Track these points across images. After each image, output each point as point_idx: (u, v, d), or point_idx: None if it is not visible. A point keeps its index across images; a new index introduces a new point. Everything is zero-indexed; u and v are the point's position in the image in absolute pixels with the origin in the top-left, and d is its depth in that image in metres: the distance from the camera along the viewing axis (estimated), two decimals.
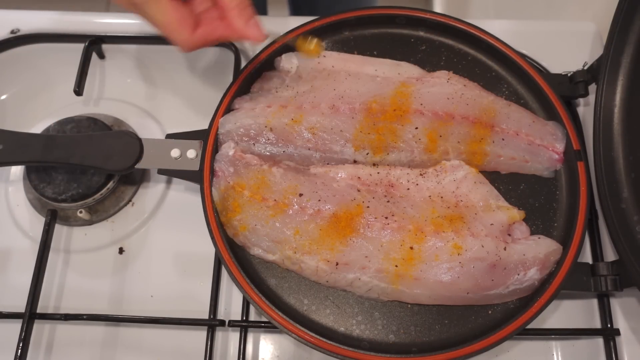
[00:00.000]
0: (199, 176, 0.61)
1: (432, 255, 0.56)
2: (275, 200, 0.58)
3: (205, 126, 0.63)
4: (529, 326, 0.55)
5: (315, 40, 0.65)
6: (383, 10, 0.70)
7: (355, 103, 0.63)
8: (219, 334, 0.60)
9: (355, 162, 0.62)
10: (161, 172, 0.62)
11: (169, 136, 0.63)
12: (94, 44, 0.72)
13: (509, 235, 0.59)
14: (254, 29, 0.54)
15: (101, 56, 0.74)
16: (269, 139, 0.62)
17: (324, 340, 0.54)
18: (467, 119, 0.63)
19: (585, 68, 0.67)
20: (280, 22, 0.71)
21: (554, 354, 0.60)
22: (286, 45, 0.66)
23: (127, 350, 0.60)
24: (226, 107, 0.64)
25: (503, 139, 0.63)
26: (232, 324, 0.59)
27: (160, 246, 0.64)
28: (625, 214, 0.57)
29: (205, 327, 0.58)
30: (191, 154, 0.61)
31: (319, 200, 0.58)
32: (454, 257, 0.56)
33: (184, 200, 0.66)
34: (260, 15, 0.75)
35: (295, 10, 1.36)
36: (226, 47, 0.72)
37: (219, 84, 0.66)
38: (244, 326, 0.59)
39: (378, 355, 0.54)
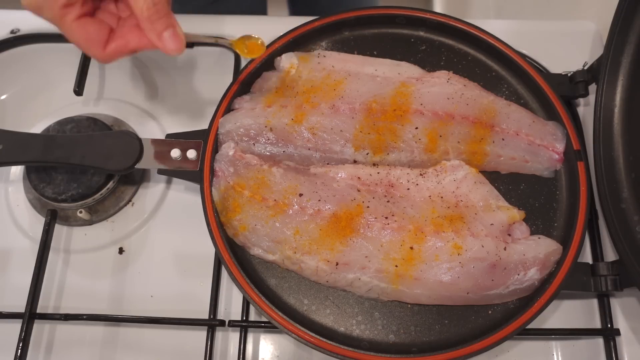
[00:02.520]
0: (199, 176, 0.61)
1: (432, 255, 0.56)
2: (275, 200, 0.58)
3: (205, 126, 0.63)
4: (529, 326, 0.55)
5: (257, 39, 0.60)
6: (383, 10, 0.70)
7: (355, 103, 0.63)
8: (219, 334, 0.60)
9: (355, 162, 0.62)
10: (161, 172, 0.62)
11: (169, 136, 0.63)
12: None
13: (509, 235, 0.59)
14: (169, 41, 0.50)
15: None
16: (269, 139, 0.62)
17: (324, 340, 0.54)
18: (467, 119, 0.63)
19: (585, 68, 0.67)
20: (280, 22, 0.71)
21: (554, 354, 0.60)
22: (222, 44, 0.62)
23: (127, 350, 0.60)
24: (226, 107, 0.64)
25: (503, 139, 0.63)
26: (232, 324, 0.59)
27: (160, 246, 0.64)
28: (625, 214, 0.57)
29: (205, 327, 0.58)
30: (191, 154, 0.61)
31: (319, 200, 0.58)
32: (454, 257, 0.56)
33: (184, 200, 0.66)
34: (259, 15, 0.75)
35: (295, 11, 1.36)
36: (226, 47, 0.72)
37: (219, 84, 0.66)
38: (244, 326, 0.59)
39: (378, 355, 0.54)
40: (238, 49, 0.60)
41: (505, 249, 0.57)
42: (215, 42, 0.60)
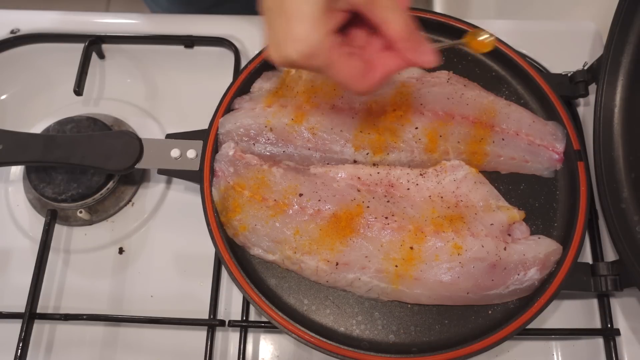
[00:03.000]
0: (199, 176, 0.61)
1: (432, 255, 0.56)
2: (275, 200, 0.58)
3: (205, 126, 0.63)
4: (529, 326, 0.55)
5: (487, 35, 0.55)
6: None
7: (355, 103, 0.63)
8: (219, 334, 0.60)
9: (355, 162, 0.62)
10: (161, 172, 0.62)
11: (169, 136, 0.63)
12: (94, 44, 0.72)
13: (509, 235, 0.59)
14: (427, 55, 0.49)
15: (101, 56, 0.74)
16: (269, 139, 0.62)
17: (324, 340, 0.54)
18: (467, 119, 0.63)
19: (585, 68, 0.67)
20: None
21: (554, 354, 0.60)
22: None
23: (127, 350, 0.60)
24: (226, 107, 0.64)
25: (503, 139, 0.63)
26: (232, 324, 0.59)
27: (160, 246, 0.64)
28: (625, 214, 0.57)
29: (205, 327, 0.58)
30: (191, 154, 0.61)
31: (319, 200, 0.58)
32: (454, 257, 0.56)
33: (184, 200, 0.66)
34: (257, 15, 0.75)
35: None
36: (226, 47, 0.72)
37: (219, 84, 0.66)
38: (244, 326, 0.59)
39: (378, 355, 0.54)
40: (471, 46, 0.55)
41: (505, 249, 0.57)
42: (453, 46, 0.58)
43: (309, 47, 0.45)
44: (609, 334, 0.59)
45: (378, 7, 0.46)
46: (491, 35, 0.54)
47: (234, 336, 0.60)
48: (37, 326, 0.60)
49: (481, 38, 0.54)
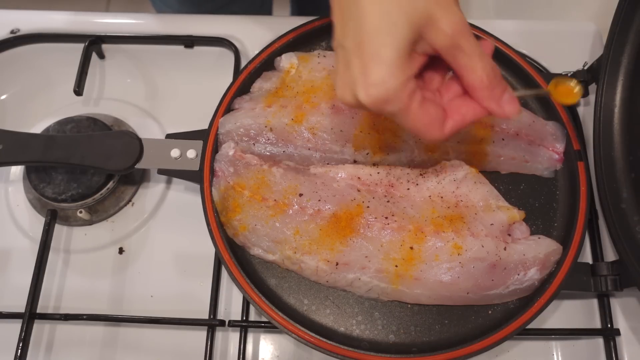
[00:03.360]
0: (199, 176, 0.61)
1: (432, 255, 0.56)
2: (275, 200, 0.58)
3: (205, 126, 0.63)
4: (529, 326, 0.55)
5: (574, 83, 0.53)
6: None
7: None
8: (219, 334, 0.60)
9: (355, 162, 0.62)
10: (161, 172, 0.62)
11: (169, 136, 0.63)
12: (94, 44, 0.72)
13: (509, 235, 0.59)
14: (508, 106, 0.46)
15: (101, 56, 0.74)
16: (269, 139, 0.62)
17: (324, 340, 0.54)
18: None
19: (585, 68, 0.67)
20: (280, 22, 0.71)
21: (554, 354, 0.60)
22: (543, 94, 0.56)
23: (127, 350, 0.60)
24: (226, 107, 0.64)
25: (503, 139, 0.63)
26: (232, 324, 0.59)
27: (160, 246, 0.64)
28: (625, 214, 0.57)
29: (205, 327, 0.58)
30: (191, 154, 0.61)
31: (319, 200, 0.58)
32: (454, 257, 0.56)
33: (184, 200, 0.66)
34: (264, 15, 0.75)
35: (297, 10, 1.35)
36: (226, 47, 0.72)
37: (219, 84, 0.66)
38: (244, 326, 0.59)
39: (378, 355, 0.54)
40: (556, 97, 0.54)
41: (505, 249, 0.57)
42: (538, 95, 0.57)
43: (386, 93, 0.42)
44: (609, 334, 0.59)
45: (462, 53, 0.43)
46: (578, 83, 0.51)
47: (234, 336, 0.60)
48: (37, 326, 0.60)
49: (569, 85, 0.51)
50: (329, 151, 0.62)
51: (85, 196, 0.63)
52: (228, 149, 0.61)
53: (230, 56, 0.71)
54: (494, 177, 0.63)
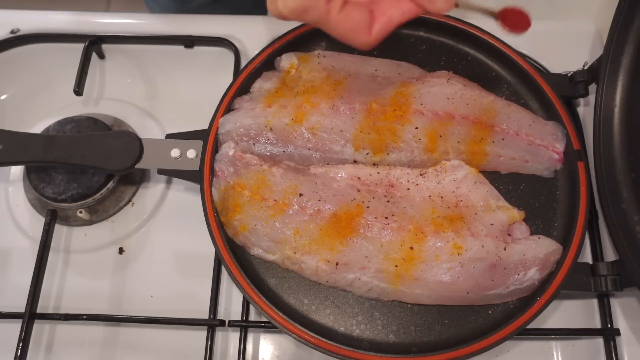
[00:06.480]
0: (199, 176, 0.61)
1: (432, 256, 0.56)
2: (275, 200, 0.58)
3: (205, 126, 0.63)
4: (529, 326, 0.55)
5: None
6: None
7: (355, 103, 0.63)
8: (219, 334, 0.60)
9: (355, 162, 0.62)
10: (161, 172, 0.62)
11: (169, 136, 0.63)
12: (94, 44, 0.72)
13: (509, 235, 0.59)
14: (441, 1, 0.44)
15: (101, 56, 0.74)
16: (269, 139, 0.62)
17: (324, 340, 0.54)
18: (467, 119, 0.63)
19: (585, 68, 0.67)
20: (280, 22, 0.70)
21: (554, 354, 0.60)
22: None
23: (127, 350, 0.60)
24: (226, 107, 0.64)
25: (503, 139, 0.63)
26: (232, 324, 0.59)
27: (160, 246, 0.64)
28: (625, 214, 0.57)
29: (205, 327, 0.58)
30: (191, 154, 0.61)
31: (319, 200, 0.58)
32: (454, 257, 0.56)
33: (184, 200, 0.66)
34: (260, 15, 0.75)
35: None
36: (226, 47, 0.72)
37: (219, 84, 0.66)
38: (244, 326, 0.59)
39: (378, 355, 0.54)
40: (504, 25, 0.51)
41: (505, 249, 0.57)
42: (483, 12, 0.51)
43: (302, 2, 0.42)
44: (609, 334, 0.59)
45: None
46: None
47: (234, 336, 0.60)
48: (37, 326, 0.60)
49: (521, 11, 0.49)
50: (329, 151, 0.62)
51: (85, 196, 0.63)
52: (228, 149, 0.61)
53: (230, 56, 0.71)
54: (494, 177, 0.63)
